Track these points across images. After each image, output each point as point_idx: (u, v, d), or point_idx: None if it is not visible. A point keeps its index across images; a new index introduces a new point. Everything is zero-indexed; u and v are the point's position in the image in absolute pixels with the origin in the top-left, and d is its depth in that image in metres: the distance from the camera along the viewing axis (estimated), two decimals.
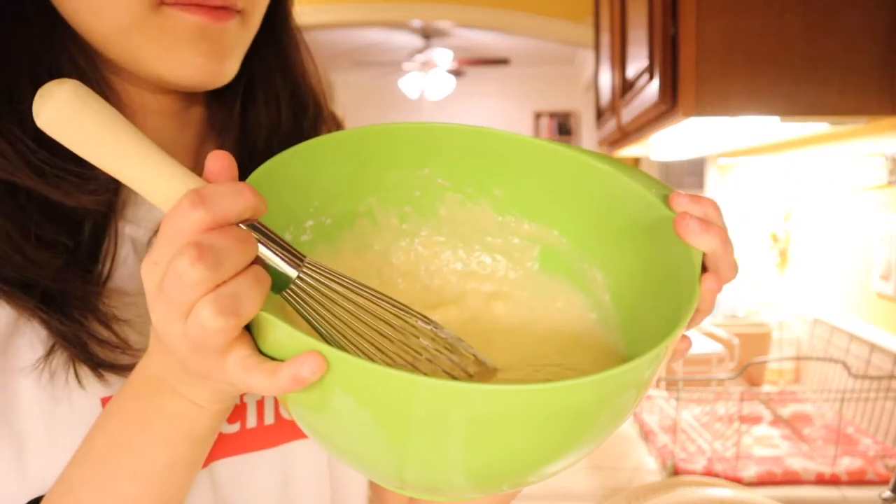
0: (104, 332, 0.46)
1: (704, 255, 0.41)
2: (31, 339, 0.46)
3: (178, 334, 0.35)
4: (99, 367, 0.46)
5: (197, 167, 0.56)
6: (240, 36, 0.49)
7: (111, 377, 0.47)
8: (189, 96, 0.55)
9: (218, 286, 0.33)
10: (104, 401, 0.48)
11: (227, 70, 0.49)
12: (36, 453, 0.46)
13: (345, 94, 7.51)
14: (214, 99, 0.57)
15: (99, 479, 0.43)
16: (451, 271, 0.52)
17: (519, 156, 0.48)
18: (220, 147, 0.56)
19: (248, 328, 0.36)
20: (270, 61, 0.59)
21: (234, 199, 0.34)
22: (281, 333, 0.34)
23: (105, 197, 0.48)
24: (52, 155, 0.45)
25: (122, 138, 0.35)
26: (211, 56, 0.47)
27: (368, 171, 0.48)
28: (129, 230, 0.51)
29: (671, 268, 0.42)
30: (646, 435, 1.32)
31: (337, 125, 0.65)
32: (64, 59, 0.48)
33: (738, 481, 1.11)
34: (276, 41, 0.59)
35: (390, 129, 0.47)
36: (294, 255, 0.37)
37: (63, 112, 0.33)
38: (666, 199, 0.44)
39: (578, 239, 0.50)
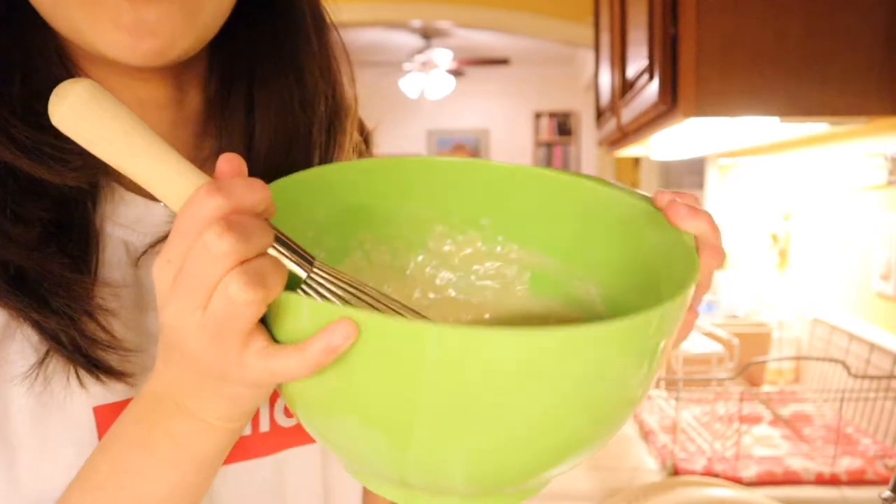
0: (92, 326, 0.45)
1: (696, 239, 0.42)
2: (23, 345, 0.45)
3: (195, 325, 0.34)
4: (95, 368, 0.45)
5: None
6: (186, 7, 0.43)
7: (105, 383, 0.46)
8: (178, 86, 0.52)
9: (242, 263, 0.33)
10: (96, 410, 0.46)
11: (161, 47, 0.43)
12: (27, 466, 0.44)
13: None
14: (214, 93, 0.54)
15: None
16: (444, 300, 0.52)
17: (500, 182, 0.49)
18: (220, 149, 0.54)
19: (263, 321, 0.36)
20: (280, 55, 0.54)
21: (250, 189, 0.34)
22: (309, 307, 0.34)
23: (90, 174, 0.46)
24: (37, 132, 0.44)
25: (134, 136, 0.35)
26: (137, 32, 0.42)
27: (360, 204, 0.48)
28: (120, 232, 0.50)
29: (665, 257, 0.43)
30: (646, 435, 1.32)
31: (364, 136, 0.61)
32: (31, 47, 0.46)
33: (738, 481, 1.11)
34: (290, 31, 0.54)
35: (375, 164, 0.47)
36: (304, 257, 0.37)
37: (78, 110, 0.34)
38: (649, 199, 0.45)
39: (568, 255, 0.50)
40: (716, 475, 1.12)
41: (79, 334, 0.44)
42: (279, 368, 0.34)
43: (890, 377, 1.24)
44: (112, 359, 0.45)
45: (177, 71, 0.51)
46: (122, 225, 0.50)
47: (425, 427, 0.35)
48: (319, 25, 0.56)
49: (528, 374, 0.33)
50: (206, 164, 0.54)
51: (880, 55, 1.07)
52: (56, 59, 0.48)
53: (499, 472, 0.37)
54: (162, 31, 0.43)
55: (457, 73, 6.29)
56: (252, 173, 0.40)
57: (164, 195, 0.36)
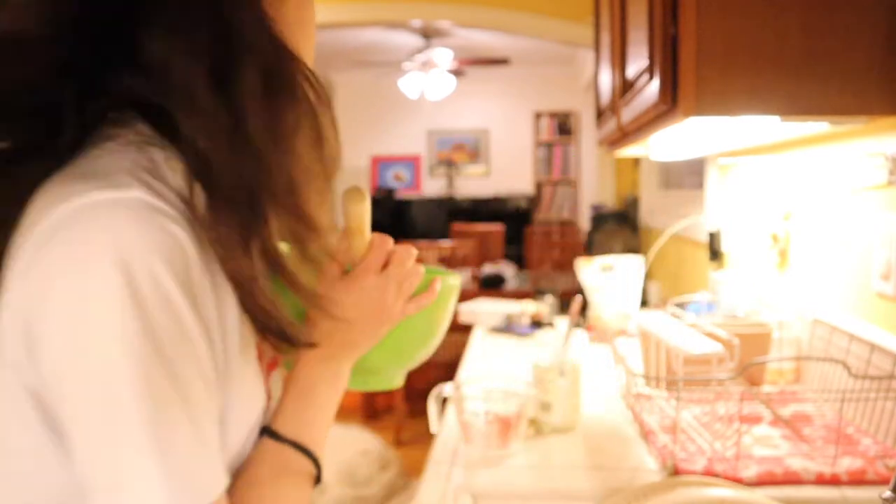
0: (275, 310, 0.59)
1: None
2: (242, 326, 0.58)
3: (393, 296, 0.69)
4: (295, 342, 0.60)
5: None
6: None
7: (299, 351, 0.66)
8: None
9: None
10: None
11: None
12: (234, 424, 0.58)
13: (345, 94, 7.50)
14: None
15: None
16: None
17: None
18: None
19: None
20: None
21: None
22: (434, 275, 0.73)
23: None
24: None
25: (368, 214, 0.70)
26: None
27: None
28: None
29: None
30: (646, 435, 1.32)
31: None
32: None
33: (738, 481, 1.11)
34: None
35: None
36: None
37: (362, 207, 0.69)
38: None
39: None
40: (716, 475, 1.12)
41: (274, 317, 0.59)
42: (425, 303, 0.72)
43: (890, 377, 1.24)
44: (302, 332, 0.62)
45: None
46: None
47: (432, 329, 0.77)
48: None
49: (451, 297, 0.77)
50: None
51: (880, 55, 1.07)
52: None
53: (417, 356, 0.78)
54: None
55: (457, 73, 6.28)
56: None
57: (361, 246, 0.69)
